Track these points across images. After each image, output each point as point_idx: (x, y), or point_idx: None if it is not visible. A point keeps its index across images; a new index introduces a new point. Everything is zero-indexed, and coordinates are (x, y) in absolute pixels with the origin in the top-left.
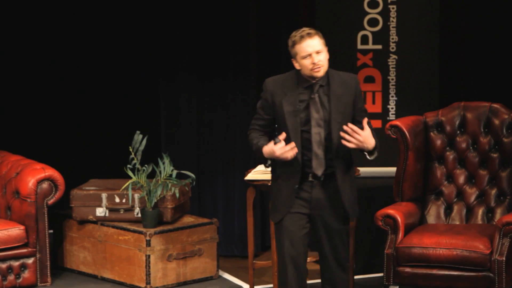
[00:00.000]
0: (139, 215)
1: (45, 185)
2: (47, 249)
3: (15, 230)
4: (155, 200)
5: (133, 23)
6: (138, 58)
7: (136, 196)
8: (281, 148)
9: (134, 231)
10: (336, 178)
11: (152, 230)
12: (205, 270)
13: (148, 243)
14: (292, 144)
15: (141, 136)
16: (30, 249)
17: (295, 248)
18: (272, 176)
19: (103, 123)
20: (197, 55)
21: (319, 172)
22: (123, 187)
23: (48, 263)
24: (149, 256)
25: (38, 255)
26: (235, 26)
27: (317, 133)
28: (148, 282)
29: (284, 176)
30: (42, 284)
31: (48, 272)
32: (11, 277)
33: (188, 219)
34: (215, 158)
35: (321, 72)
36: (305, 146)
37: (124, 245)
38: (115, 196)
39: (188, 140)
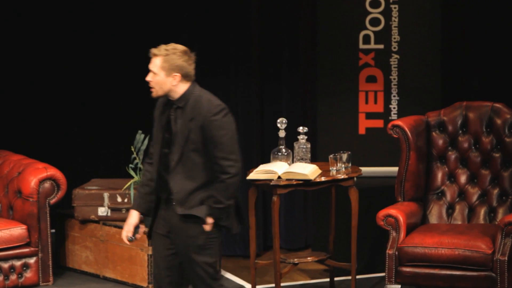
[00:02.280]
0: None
1: (47, 184)
2: (49, 248)
3: (17, 230)
4: None
5: (132, 19)
6: (138, 55)
7: None
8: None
9: None
10: (174, 204)
11: None
12: None
13: (150, 243)
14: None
15: (143, 135)
16: (32, 249)
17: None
18: None
19: (105, 123)
20: (198, 51)
21: (163, 194)
22: (125, 187)
23: (50, 262)
24: (150, 255)
25: (40, 255)
26: (237, 21)
27: (164, 154)
28: (150, 282)
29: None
30: (44, 283)
31: (50, 272)
32: (13, 277)
33: None
34: None
35: (153, 92)
36: (161, 163)
37: (126, 244)
38: (117, 195)
39: None
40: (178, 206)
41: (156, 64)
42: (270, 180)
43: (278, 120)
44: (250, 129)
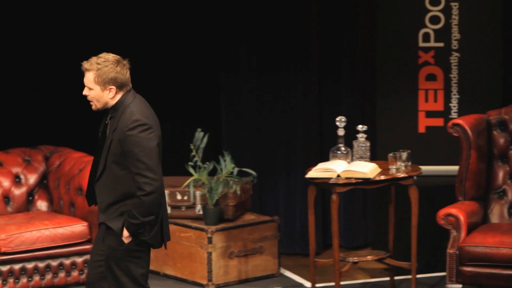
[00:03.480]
0: (201, 212)
1: None
2: None
3: (79, 227)
4: (217, 198)
5: (193, 14)
6: (199, 52)
7: (198, 193)
8: None
9: (196, 228)
10: (100, 213)
11: (213, 228)
12: (266, 267)
13: (210, 241)
14: None
15: (202, 133)
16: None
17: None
18: None
19: (165, 121)
20: (258, 49)
21: (89, 201)
22: (184, 184)
23: None
24: (210, 253)
25: None
26: (296, 19)
27: (95, 161)
28: (209, 279)
29: None
30: None
31: None
32: (74, 273)
33: (249, 217)
34: (276, 155)
35: (93, 106)
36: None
37: (186, 242)
38: (177, 193)
39: (249, 137)
40: (100, 214)
41: (89, 79)
42: (329, 178)
43: (337, 119)
44: (309, 128)
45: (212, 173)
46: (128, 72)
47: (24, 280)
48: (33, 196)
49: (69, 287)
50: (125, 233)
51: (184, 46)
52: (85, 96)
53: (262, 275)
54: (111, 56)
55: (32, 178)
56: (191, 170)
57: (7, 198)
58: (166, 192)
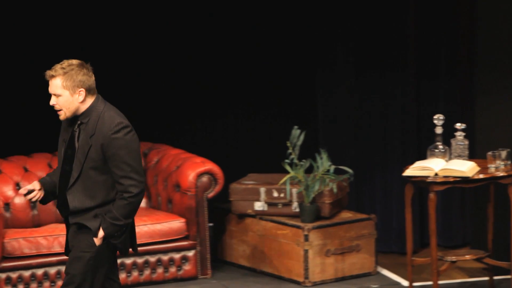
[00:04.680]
0: (297, 209)
1: (204, 178)
2: (207, 242)
3: (176, 223)
4: (313, 195)
5: (290, 10)
6: (295, 50)
7: (294, 190)
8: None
9: (292, 226)
10: (71, 221)
11: (310, 225)
12: (363, 266)
13: (306, 238)
14: (38, 190)
15: (299, 131)
16: (190, 242)
17: None
18: None
19: (262, 118)
20: (355, 46)
21: (64, 212)
22: (281, 182)
23: (208, 256)
24: (307, 250)
25: (198, 248)
26: (394, 16)
27: (65, 170)
28: (306, 277)
29: None
30: (203, 276)
31: (208, 265)
32: (172, 269)
33: (346, 215)
34: (373, 153)
35: (62, 115)
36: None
37: (282, 239)
38: (273, 190)
39: (345, 134)
40: (71, 217)
41: (56, 85)
42: (427, 177)
43: (435, 117)
44: (406, 126)
45: (309, 170)
46: (93, 76)
47: (123, 275)
48: None
49: (166, 283)
50: (100, 233)
51: (281, 44)
52: (54, 106)
53: (358, 273)
54: (74, 60)
55: None
56: (288, 168)
57: None
58: (263, 189)
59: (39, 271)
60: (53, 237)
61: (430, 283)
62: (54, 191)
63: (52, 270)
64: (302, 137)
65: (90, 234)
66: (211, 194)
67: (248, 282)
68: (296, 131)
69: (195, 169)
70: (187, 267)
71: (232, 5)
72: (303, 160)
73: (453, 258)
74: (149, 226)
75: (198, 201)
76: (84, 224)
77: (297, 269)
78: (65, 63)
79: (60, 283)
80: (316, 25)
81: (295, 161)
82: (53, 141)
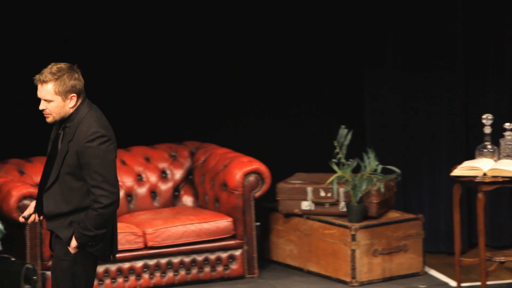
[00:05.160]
0: (344, 209)
1: (252, 178)
2: (254, 241)
3: (223, 222)
4: (360, 195)
5: (337, 9)
6: (342, 49)
7: (341, 190)
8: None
9: (340, 225)
10: (47, 221)
11: (357, 225)
12: (410, 266)
13: (354, 238)
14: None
15: (346, 130)
16: (237, 241)
17: None
18: None
19: (308, 117)
20: (402, 46)
21: (39, 212)
22: (328, 181)
23: (255, 255)
24: (354, 250)
25: (245, 247)
26: (442, 15)
27: (45, 171)
28: (353, 277)
29: None
30: (250, 275)
31: (255, 264)
32: (219, 268)
33: (393, 214)
34: (421, 153)
35: (50, 119)
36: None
37: (329, 239)
38: (320, 190)
39: (393, 134)
40: (48, 222)
41: (48, 90)
42: (475, 177)
43: (484, 116)
44: (454, 126)
45: (356, 170)
46: (82, 79)
47: (170, 274)
48: (179, 191)
49: (214, 282)
50: (73, 243)
51: (329, 43)
52: (42, 111)
53: (406, 273)
54: (62, 64)
55: (178, 174)
56: (335, 167)
57: (154, 193)
58: (310, 188)
59: (100, 269)
60: None
61: (478, 283)
62: None
63: (101, 269)
64: (349, 137)
65: (64, 244)
66: (258, 193)
67: (295, 282)
68: (343, 131)
69: (242, 168)
70: (234, 266)
71: (281, 4)
72: (350, 160)
73: (502, 259)
74: (196, 225)
75: (245, 200)
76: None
77: (344, 268)
78: (54, 67)
79: (108, 281)
80: (364, 25)
81: (342, 160)
82: None
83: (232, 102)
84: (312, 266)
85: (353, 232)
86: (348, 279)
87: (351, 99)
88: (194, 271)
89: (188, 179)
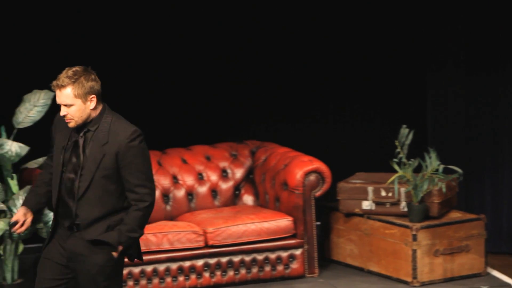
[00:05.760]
0: (405, 209)
1: (312, 177)
2: (315, 240)
3: (284, 221)
4: (421, 195)
5: (398, 9)
6: (404, 49)
7: (402, 190)
8: (16, 228)
9: (400, 225)
10: (82, 231)
11: (418, 225)
12: (472, 266)
13: (415, 238)
14: (23, 221)
15: (407, 130)
16: (298, 240)
17: None
18: None
19: (369, 117)
20: (465, 47)
21: (65, 221)
22: (389, 181)
23: (316, 254)
24: (415, 250)
25: (306, 247)
26: (504, 17)
27: (69, 179)
28: (414, 277)
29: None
30: (310, 275)
31: (316, 264)
32: (280, 267)
33: (455, 215)
34: (483, 153)
35: (72, 123)
36: (63, 188)
37: (390, 238)
38: (381, 189)
39: (455, 134)
40: (85, 233)
41: (67, 95)
42: None
43: None
44: None
45: (417, 170)
46: (99, 80)
47: (231, 273)
48: (239, 190)
49: (274, 281)
50: (120, 247)
51: (391, 44)
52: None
53: (468, 273)
54: (77, 67)
55: (239, 173)
56: (396, 167)
57: (214, 192)
58: (371, 188)
59: (149, 268)
60: (162, 234)
61: None
62: (41, 208)
63: (161, 267)
64: (410, 136)
65: (107, 248)
66: (318, 192)
67: (356, 282)
68: (404, 130)
69: (302, 168)
70: (294, 265)
71: (347, 6)
72: (412, 160)
73: None
74: (256, 224)
75: (306, 200)
76: (98, 242)
77: (405, 269)
78: (69, 71)
79: (169, 280)
80: (426, 26)
81: (404, 160)
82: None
83: (293, 102)
84: (372, 266)
85: (414, 232)
86: (409, 279)
87: (413, 98)
88: (255, 270)
89: (249, 178)
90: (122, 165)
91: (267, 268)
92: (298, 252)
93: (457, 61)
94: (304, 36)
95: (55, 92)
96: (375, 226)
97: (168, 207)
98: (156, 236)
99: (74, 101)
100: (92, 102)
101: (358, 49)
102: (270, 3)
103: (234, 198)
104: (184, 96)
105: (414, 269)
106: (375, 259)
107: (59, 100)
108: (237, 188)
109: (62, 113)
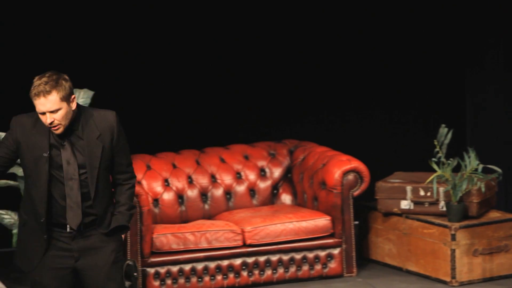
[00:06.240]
0: (444, 208)
1: (350, 176)
2: (353, 240)
3: (322, 221)
4: (460, 194)
5: (435, 7)
6: (443, 47)
7: (441, 189)
8: None
9: (439, 225)
10: (95, 228)
11: (457, 224)
12: (511, 266)
13: (453, 237)
14: None
15: (446, 129)
16: (336, 240)
17: None
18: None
19: (408, 116)
20: (505, 46)
21: (74, 224)
22: (427, 180)
23: (354, 254)
24: (454, 250)
25: (344, 246)
26: None
27: (74, 184)
28: (453, 277)
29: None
30: (348, 274)
31: (354, 263)
32: (318, 267)
33: (494, 214)
34: None
35: (60, 129)
36: (56, 194)
37: (428, 238)
38: (420, 189)
39: (494, 133)
40: (100, 227)
41: (54, 100)
42: None
43: None
44: None
45: (456, 169)
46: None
47: (268, 272)
48: (277, 189)
49: (312, 280)
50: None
51: (430, 42)
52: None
53: (508, 273)
54: (49, 72)
55: (277, 172)
56: (435, 166)
57: (252, 191)
58: (409, 187)
59: (187, 267)
60: (200, 233)
61: None
62: None
63: (199, 266)
64: (449, 136)
65: (116, 235)
66: (356, 192)
67: (394, 281)
68: (443, 130)
69: (341, 167)
70: (332, 265)
71: (387, 5)
72: (451, 159)
73: None
74: (294, 223)
75: (344, 199)
76: (112, 230)
77: (444, 268)
78: (45, 77)
79: (207, 278)
80: (466, 25)
81: (442, 159)
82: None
83: (332, 101)
84: (411, 266)
85: (453, 232)
86: (447, 279)
87: (452, 98)
88: (293, 269)
89: (287, 177)
90: (116, 150)
91: (305, 268)
92: (336, 251)
93: (496, 59)
94: (346, 35)
95: (33, 99)
96: (414, 226)
97: (206, 206)
98: (194, 235)
99: (61, 104)
100: (74, 103)
101: (397, 49)
102: None
103: (272, 197)
104: (224, 95)
105: (453, 269)
106: (414, 258)
107: (44, 108)
108: (275, 187)
109: (48, 120)
